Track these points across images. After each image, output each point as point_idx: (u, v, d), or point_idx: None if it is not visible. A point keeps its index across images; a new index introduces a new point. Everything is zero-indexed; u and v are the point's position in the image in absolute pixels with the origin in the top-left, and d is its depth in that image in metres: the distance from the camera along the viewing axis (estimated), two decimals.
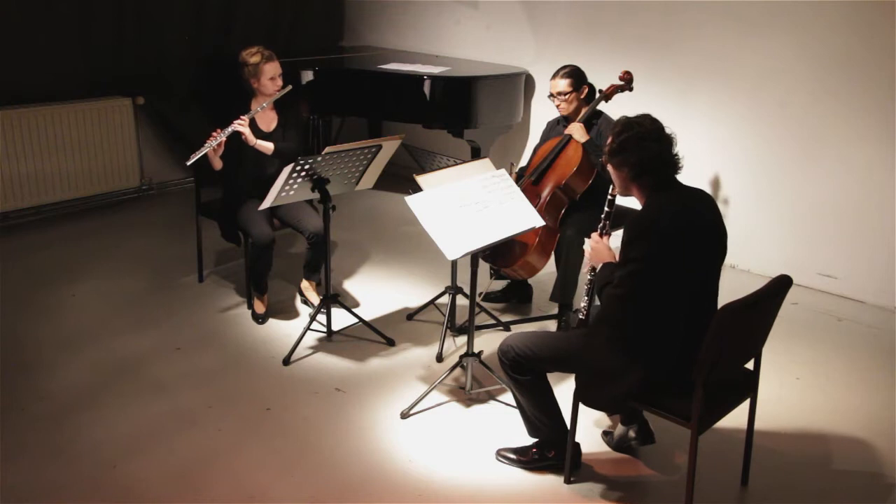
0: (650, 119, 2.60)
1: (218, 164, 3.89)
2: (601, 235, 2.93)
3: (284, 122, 4.05)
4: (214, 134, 3.78)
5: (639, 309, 2.55)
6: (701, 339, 2.52)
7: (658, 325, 2.55)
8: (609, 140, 2.64)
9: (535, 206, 3.71)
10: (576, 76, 3.93)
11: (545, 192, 3.85)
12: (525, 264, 3.78)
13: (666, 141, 2.57)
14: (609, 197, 2.98)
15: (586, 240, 2.92)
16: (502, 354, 2.84)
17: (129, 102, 5.64)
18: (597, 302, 2.87)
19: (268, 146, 3.91)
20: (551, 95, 3.98)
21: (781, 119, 4.65)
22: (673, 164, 2.59)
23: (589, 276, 2.96)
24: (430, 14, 6.29)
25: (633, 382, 2.57)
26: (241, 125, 3.80)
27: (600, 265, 2.83)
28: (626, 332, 2.59)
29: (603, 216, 2.99)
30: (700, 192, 2.66)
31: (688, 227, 2.53)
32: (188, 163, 3.76)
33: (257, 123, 3.99)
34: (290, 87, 3.94)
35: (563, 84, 3.92)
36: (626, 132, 2.57)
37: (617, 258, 2.75)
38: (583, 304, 3.03)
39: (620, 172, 2.62)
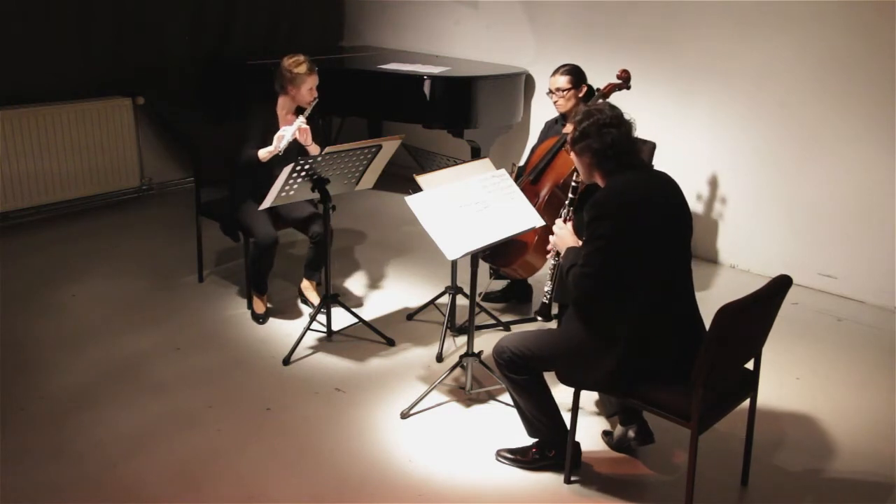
0: (609, 106, 2.70)
1: (268, 158, 3.84)
2: (564, 221, 2.97)
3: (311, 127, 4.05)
4: (281, 134, 3.80)
5: (609, 290, 2.60)
6: (681, 325, 2.62)
7: (626, 304, 2.59)
8: (571, 129, 2.71)
9: (534, 206, 3.71)
10: (575, 73, 3.95)
11: (544, 192, 3.85)
12: (524, 263, 3.78)
13: (625, 127, 2.65)
14: (573, 184, 3.03)
15: (553, 227, 2.96)
16: (497, 355, 2.85)
17: (129, 102, 5.64)
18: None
19: (316, 148, 3.93)
20: (550, 92, 3.99)
21: (781, 119, 4.65)
22: (632, 148, 2.68)
23: (552, 262, 3.03)
24: (430, 14, 6.29)
25: (611, 363, 2.60)
26: (304, 123, 3.82)
27: (564, 250, 2.85)
28: (599, 311, 2.65)
29: (567, 202, 3.07)
30: (661, 174, 2.73)
31: (649, 205, 2.59)
32: (281, 146, 3.77)
33: (279, 127, 3.94)
34: (317, 100, 3.95)
35: (563, 80, 3.94)
36: (586, 120, 2.65)
37: (580, 242, 2.81)
38: (546, 289, 3.12)
39: (583, 159, 2.70)
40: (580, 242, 2.85)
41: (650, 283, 2.58)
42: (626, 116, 2.68)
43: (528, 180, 3.93)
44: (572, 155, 2.74)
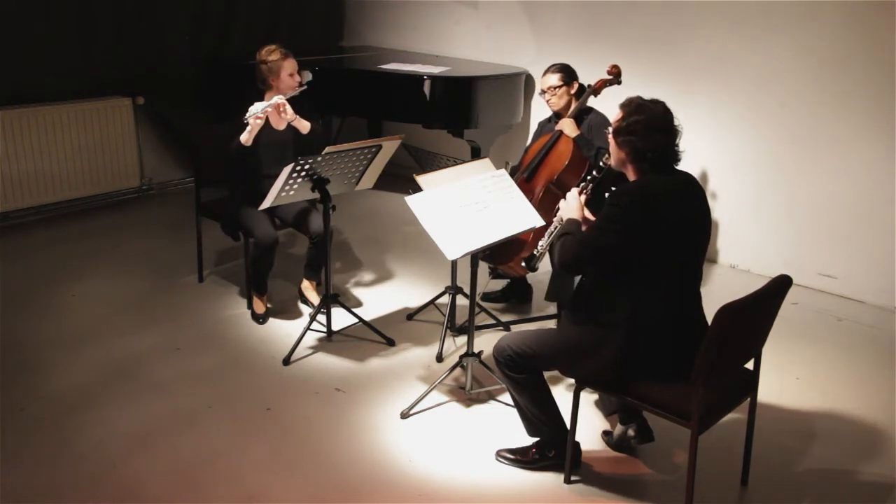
0: (663, 108, 2.62)
1: (251, 139, 3.81)
2: (580, 193, 2.95)
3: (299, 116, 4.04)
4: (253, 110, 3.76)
5: (595, 268, 2.62)
6: (684, 324, 2.62)
7: (630, 299, 2.59)
8: (619, 115, 2.65)
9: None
10: (566, 71, 3.99)
11: (538, 188, 3.86)
12: (521, 261, 3.78)
13: (672, 133, 2.60)
14: (601, 164, 3.00)
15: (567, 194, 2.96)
16: (498, 353, 2.85)
17: (129, 102, 5.65)
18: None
19: (305, 124, 3.93)
20: (542, 91, 4.02)
21: (781, 119, 4.65)
22: (673, 156, 2.64)
23: (555, 222, 3.02)
24: (430, 14, 6.29)
25: (611, 354, 2.60)
26: (282, 99, 3.82)
27: (567, 218, 2.86)
28: (599, 304, 2.66)
29: (589, 178, 3.02)
30: (689, 176, 2.70)
31: (670, 208, 2.57)
32: (245, 118, 3.74)
33: (269, 121, 3.91)
34: (305, 86, 3.95)
35: (554, 78, 3.97)
36: (636, 114, 2.58)
37: (587, 217, 2.84)
38: (541, 243, 3.12)
39: (621, 151, 2.65)
40: (587, 216, 2.86)
41: (658, 281, 2.58)
42: (675, 122, 2.61)
43: (522, 178, 3.93)
44: (610, 139, 2.69)
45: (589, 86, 3.99)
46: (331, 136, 6.38)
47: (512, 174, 4.02)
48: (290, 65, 3.94)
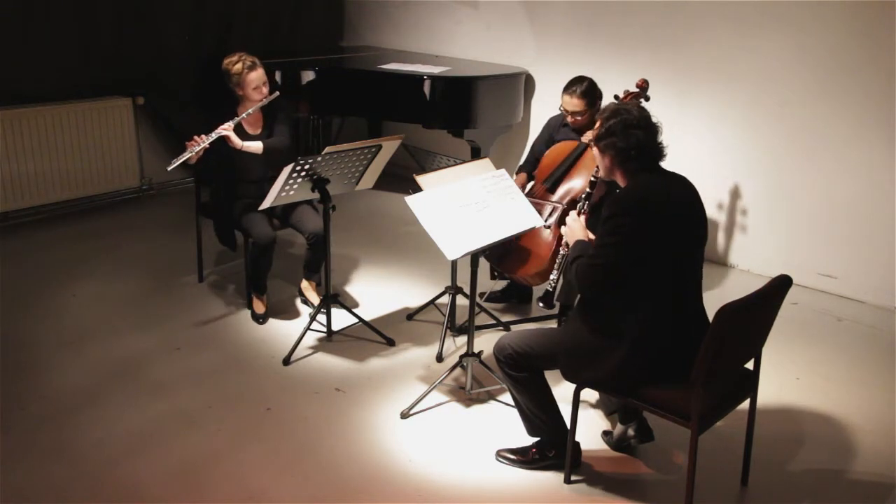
0: (638, 107, 2.68)
1: (194, 158, 3.77)
2: (579, 214, 2.98)
3: (271, 123, 4.02)
4: (197, 139, 3.71)
5: (616, 285, 2.60)
6: (688, 327, 2.61)
7: (636, 304, 2.59)
8: (597, 124, 2.70)
9: (549, 214, 3.69)
10: (590, 95, 3.86)
11: (561, 202, 3.80)
12: (539, 275, 3.74)
13: (651, 129, 2.64)
14: (591, 178, 3.03)
15: (566, 218, 2.98)
16: (499, 352, 2.85)
17: (129, 102, 5.65)
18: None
19: (256, 146, 3.87)
20: (564, 110, 3.92)
21: (782, 119, 4.65)
22: (657, 152, 2.66)
23: (562, 252, 3.04)
24: (430, 14, 6.29)
25: (615, 361, 2.60)
26: (225, 130, 3.75)
27: (573, 242, 2.87)
28: (605, 309, 2.66)
29: (583, 196, 3.07)
30: (681, 177, 2.72)
31: (668, 209, 2.59)
32: (169, 168, 3.74)
33: (243, 126, 3.93)
34: (277, 94, 3.91)
35: (578, 104, 3.85)
36: (613, 118, 2.64)
37: (590, 237, 2.85)
38: (552, 277, 3.16)
39: (605, 156, 2.68)
40: (590, 237, 2.86)
41: (662, 285, 2.58)
42: (654, 119, 2.66)
43: (544, 187, 3.85)
44: (594, 150, 2.72)
45: (618, 97, 3.92)
46: (331, 136, 6.40)
47: (528, 172, 3.99)
48: (255, 78, 3.83)
